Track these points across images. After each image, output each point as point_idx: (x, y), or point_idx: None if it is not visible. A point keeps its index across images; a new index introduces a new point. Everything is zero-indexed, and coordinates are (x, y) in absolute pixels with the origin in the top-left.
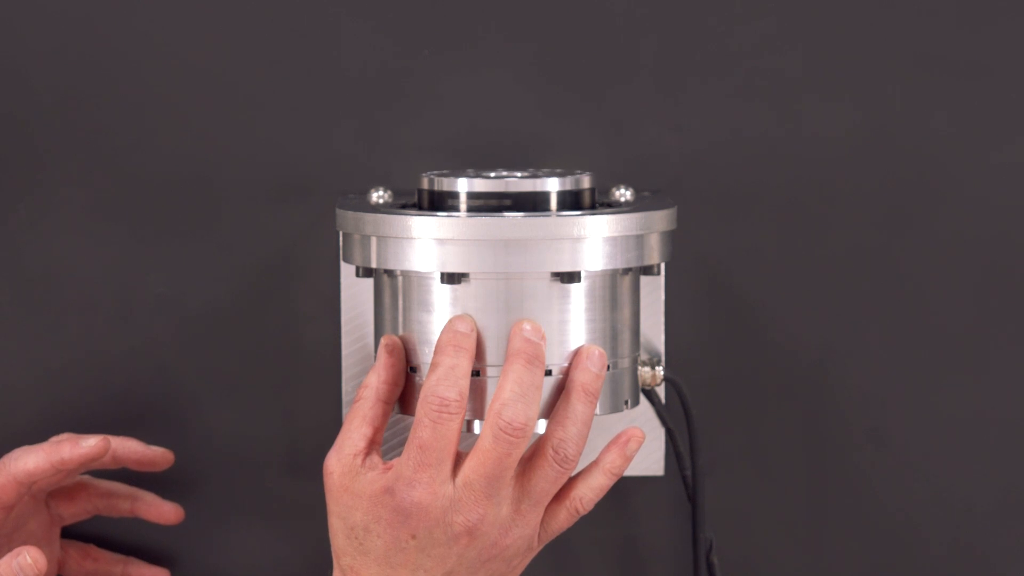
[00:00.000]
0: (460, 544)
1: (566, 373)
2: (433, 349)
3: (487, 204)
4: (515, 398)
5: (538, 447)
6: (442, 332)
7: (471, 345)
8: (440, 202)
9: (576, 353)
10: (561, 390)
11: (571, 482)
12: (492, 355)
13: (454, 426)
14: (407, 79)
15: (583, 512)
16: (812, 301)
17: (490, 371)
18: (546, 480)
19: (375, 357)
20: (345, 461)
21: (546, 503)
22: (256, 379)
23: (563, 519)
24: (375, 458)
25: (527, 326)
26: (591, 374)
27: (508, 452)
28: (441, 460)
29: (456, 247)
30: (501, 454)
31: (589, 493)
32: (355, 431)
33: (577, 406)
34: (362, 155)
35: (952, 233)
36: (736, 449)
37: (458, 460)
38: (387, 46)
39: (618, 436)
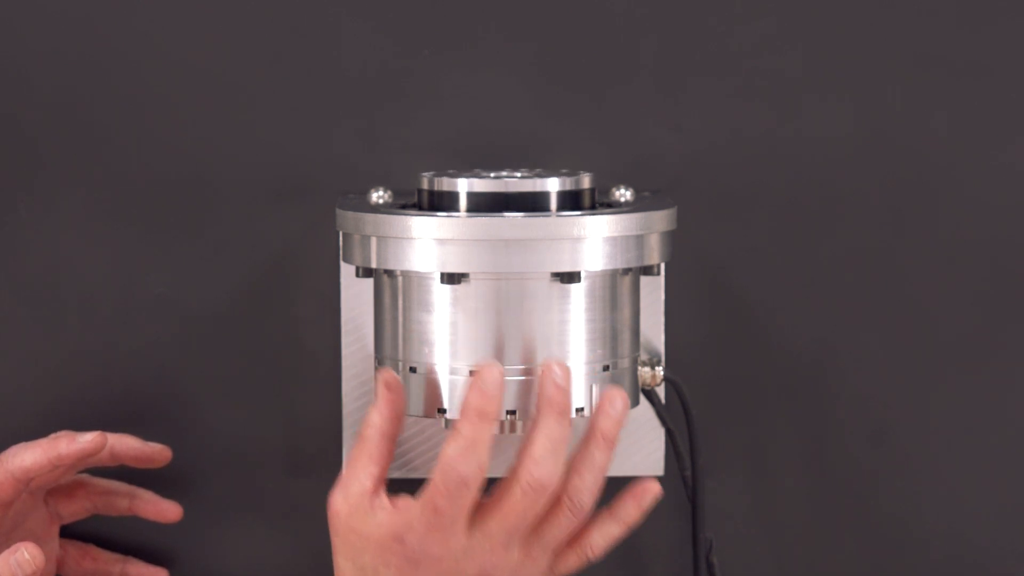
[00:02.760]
0: None
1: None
2: (433, 350)
3: (487, 204)
4: (546, 455)
5: (553, 494)
6: (471, 386)
7: (497, 408)
8: (440, 202)
9: (601, 398)
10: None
11: (585, 530)
12: (492, 356)
13: (472, 497)
14: (407, 79)
15: (593, 559)
16: (812, 301)
17: None
18: (559, 528)
19: (375, 358)
20: (352, 501)
21: (558, 549)
22: (256, 379)
23: (572, 563)
24: (383, 498)
25: (557, 370)
26: (612, 420)
27: (533, 507)
28: (455, 521)
29: (456, 247)
30: (526, 508)
31: (601, 541)
32: (361, 470)
33: (596, 454)
34: (362, 155)
35: (952, 233)
36: (736, 449)
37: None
38: (387, 46)
39: (634, 486)
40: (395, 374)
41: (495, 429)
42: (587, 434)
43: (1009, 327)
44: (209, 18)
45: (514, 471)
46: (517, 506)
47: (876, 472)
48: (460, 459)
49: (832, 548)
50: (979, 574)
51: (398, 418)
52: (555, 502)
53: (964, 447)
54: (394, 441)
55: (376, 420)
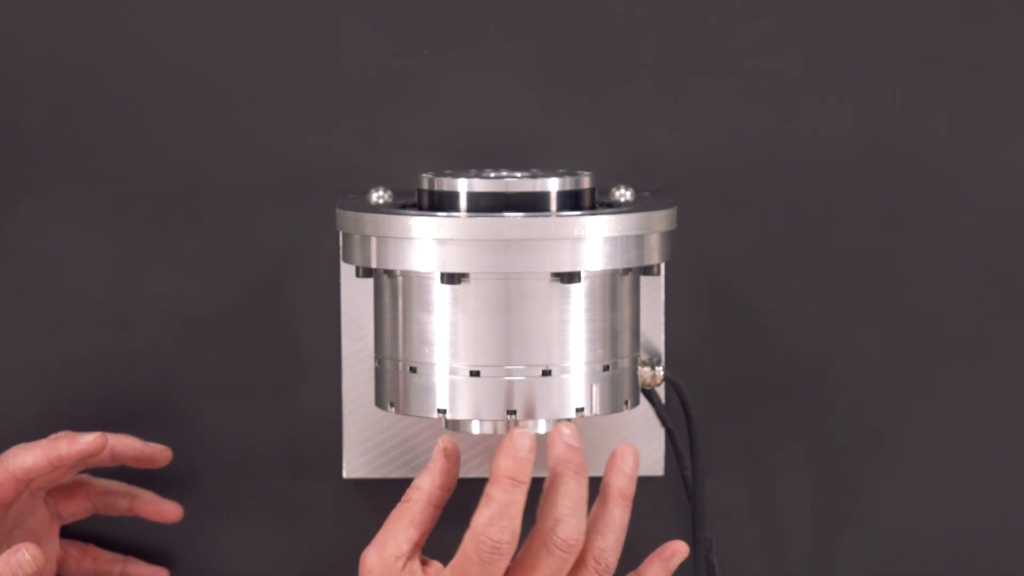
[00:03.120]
0: None
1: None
2: (433, 349)
3: (487, 204)
4: (569, 514)
5: (579, 558)
6: (501, 450)
7: (529, 473)
8: (440, 202)
9: (612, 455)
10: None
11: None
12: (492, 356)
13: (504, 564)
14: (407, 79)
15: None
16: (812, 301)
17: (491, 372)
18: (553, 567)
19: (375, 358)
20: (387, 562)
21: None
22: (256, 379)
23: None
24: (415, 564)
25: (566, 431)
26: (626, 477)
27: (560, 568)
28: None
29: (456, 247)
30: (554, 570)
31: None
32: (401, 532)
33: (615, 512)
34: (362, 155)
35: (952, 233)
36: (736, 449)
37: None
38: (387, 46)
39: (663, 549)
40: (455, 442)
41: (526, 493)
42: (602, 493)
43: (1009, 327)
44: (209, 18)
45: (538, 532)
46: (546, 568)
47: (876, 472)
48: (493, 526)
49: (832, 548)
50: (979, 574)
51: (449, 488)
52: (580, 563)
53: (964, 447)
54: (440, 509)
55: (426, 485)
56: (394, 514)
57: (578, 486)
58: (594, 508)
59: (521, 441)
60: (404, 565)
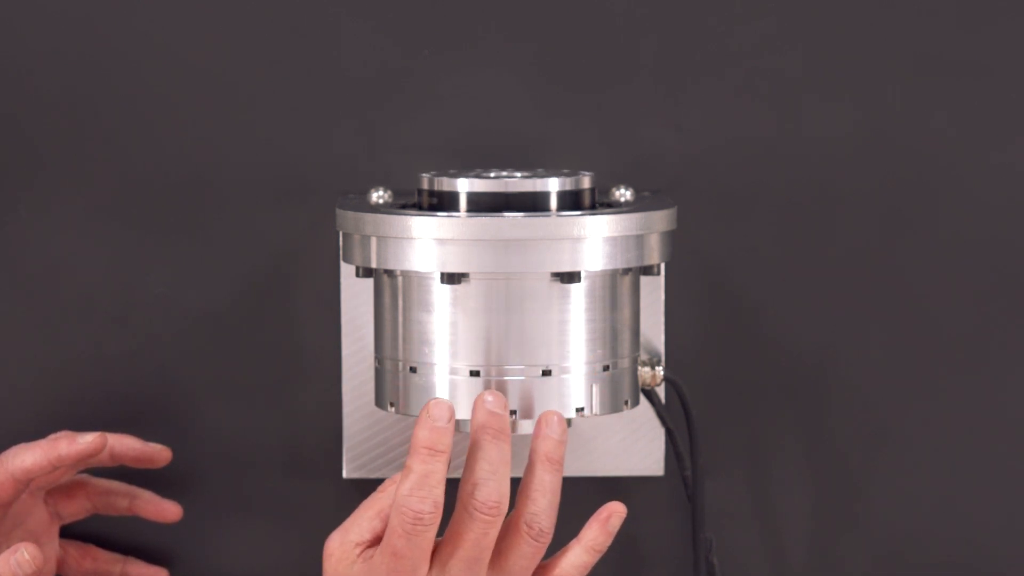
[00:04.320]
0: None
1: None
2: (433, 349)
3: (487, 204)
4: (487, 476)
5: (511, 524)
6: (418, 423)
7: (448, 443)
8: (440, 202)
9: (537, 422)
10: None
11: (554, 560)
12: (492, 356)
13: (429, 535)
14: (407, 79)
15: None
16: (812, 301)
17: (491, 372)
18: (523, 556)
19: (375, 358)
20: (346, 548)
21: None
22: (256, 379)
23: None
24: (367, 554)
25: (489, 397)
26: (552, 442)
27: (485, 532)
28: (415, 567)
29: (456, 247)
30: (478, 535)
31: (573, 572)
32: (366, 522)
33: (545, 477)
34: (362, 155)
35: (952, 233)
36: (736, 449)
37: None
38: (387, 46)
39: (599, 512)
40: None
41: (446, 463)
42: (531, 459)
43: (1009, 327)
44: (209, 18)
45: (460, 500)
46: (468, 534)
47: (876, 472)
48: (412, 496)
49: (832, 548)
50: (978, 574)
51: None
52: (513, 529)
53: (964, 447)
54: None
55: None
56: (365, 503)
57: (498, 450)
58: (524, 474)
59: (437, 411)
60: (361, 552)
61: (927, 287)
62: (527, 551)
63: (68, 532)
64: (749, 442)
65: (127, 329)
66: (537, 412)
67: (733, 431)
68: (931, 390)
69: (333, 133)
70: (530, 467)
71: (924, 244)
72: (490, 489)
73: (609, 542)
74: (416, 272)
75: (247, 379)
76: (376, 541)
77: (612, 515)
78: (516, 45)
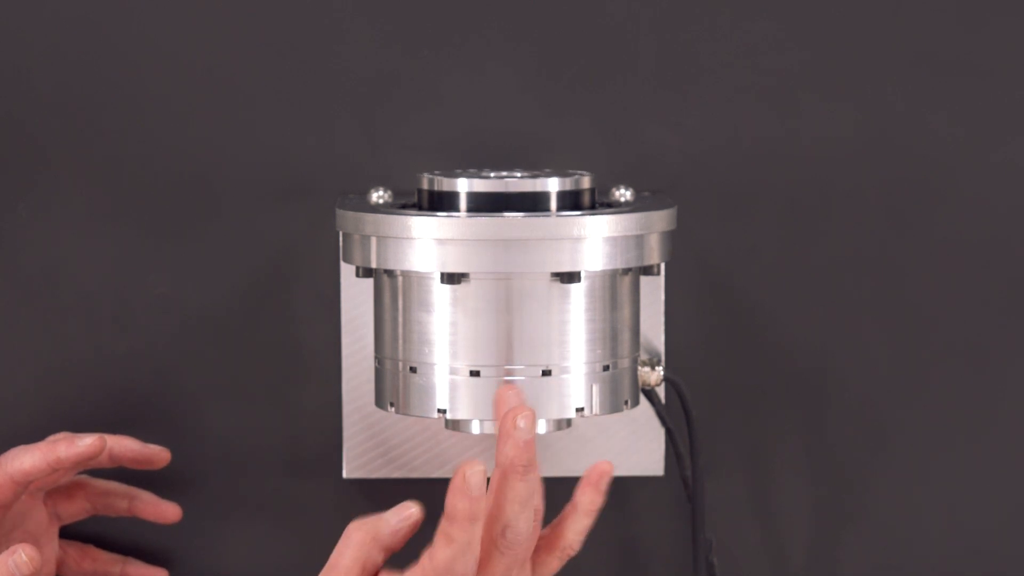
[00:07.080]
0: None
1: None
2: (433, 349)
3: (487, 204)
4: (517, 514)
5: (486, 534)
6: (455, 490)
7: (484, 509)
8: (440, 202)
9: (500, 424)
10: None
11: (556, 531)
12: (492, 356)
13: None
14: (407, 79)
15: (574, 554)
16: (812, 301)
17: (491, 371)
18: (504, 565)
19: (375, 358)
20: None
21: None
22: (256, 379)
23: (555, 566)
24: None
25: (521, 423)
26: (518, 447)
27: (515, 561)
28: None
29: (456, 247)
30: (508, 566)
31: (576, 537)
32: (350, 571)
33: (517, 485)
34: (362, 155)
35: (952, 233)
36: (736, 449)
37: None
38: (387, 46)
39: (588, 474)
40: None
41: (482, 526)
42: (498, 463)
43: (1009, 327)
44: (209, 18)
45: (487, 534)
46: (500, 567)
47: (876, 472)
48: (458, 563)
49: (832, 548)
50: (978, 574)
51: (403, 540)
52: (490, 543)
53: (964, 447)
54: (391, 553)
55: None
56: (350, 549)
57: (527, 487)
58: (492, 480)
59: (474, 480)
60: None
61: (927, 287)
62: (508, 561)
63: (68, 533)
64: (749, 442)
65: (127, 329)
66: (538, 412)
67: (733, 431)
68: (931, 390)
69: (334, 133)
70: (500, 475)
71: (924, 244)
72: (520, 529)
73: (602, 500)
74: (416, 272)
75: (247, 379)
76: None
77: (603, 475)
78: (516, 45)
